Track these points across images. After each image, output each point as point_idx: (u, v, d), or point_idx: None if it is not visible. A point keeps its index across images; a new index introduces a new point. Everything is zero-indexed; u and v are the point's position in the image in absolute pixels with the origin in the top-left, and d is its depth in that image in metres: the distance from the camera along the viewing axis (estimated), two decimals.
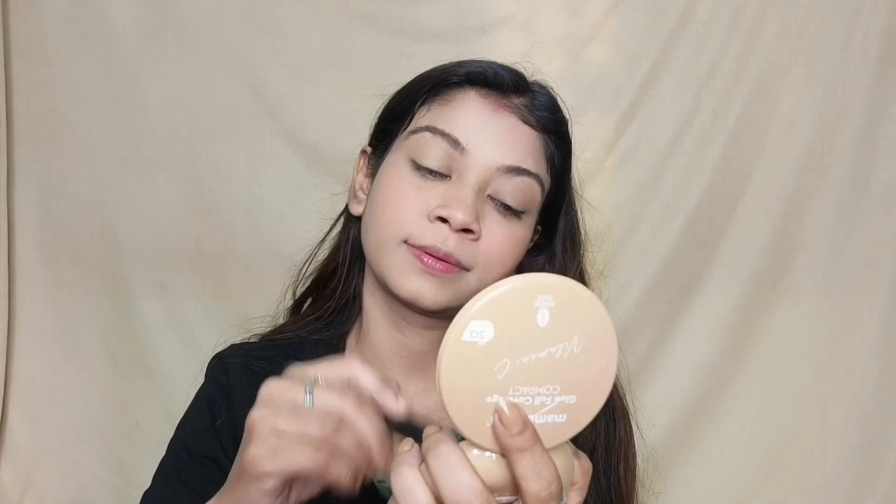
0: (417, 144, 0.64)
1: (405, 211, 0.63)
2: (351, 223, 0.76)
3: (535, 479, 0.37)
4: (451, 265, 0.62)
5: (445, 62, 0.70)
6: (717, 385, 1.17)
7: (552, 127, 0.67)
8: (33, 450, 1.21)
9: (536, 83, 0.70)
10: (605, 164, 1.15)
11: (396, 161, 0.66)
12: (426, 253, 0.62)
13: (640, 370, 1.16)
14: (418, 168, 0.64)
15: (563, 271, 0.72)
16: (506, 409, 0.38)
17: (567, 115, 0.71)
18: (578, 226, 0.76)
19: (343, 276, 0.75)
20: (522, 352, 0.38)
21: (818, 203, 1.14)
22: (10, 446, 1.20)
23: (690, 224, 1.14)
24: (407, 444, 0.41)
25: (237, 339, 0.78)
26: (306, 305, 0.81)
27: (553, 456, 0.39)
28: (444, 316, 0.64)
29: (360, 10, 1.13)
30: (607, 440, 0.72)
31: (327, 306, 0.75)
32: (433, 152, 0.63)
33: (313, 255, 0.81)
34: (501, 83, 0.65)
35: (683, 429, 1.17)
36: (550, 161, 0.67)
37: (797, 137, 1.13)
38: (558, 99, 0.71)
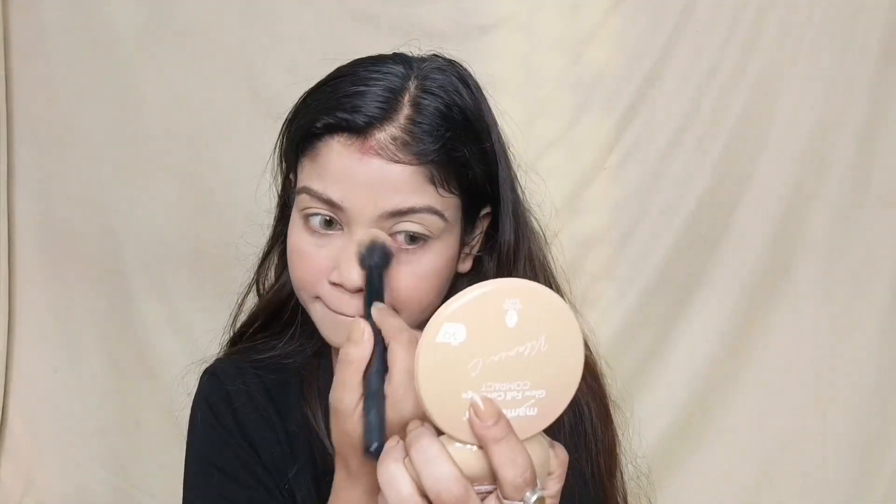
0: (303, 204, 0.63)
1: (308, 275, 0.64)
2: None
3: (510, 467, 0.40)
4: None
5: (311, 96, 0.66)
6: (717, 385, 1.17)
7: (431, 153, 0.61)
8: (33, 450, 1.21)
9: (420, 88, 0.62)
10: (605, 164, 1.15)
11: (294, 215, 0.65)
12: (339, 315, 0.63)
13: (640, 370, 1.16)
14: (309, 226, 0.63)
15: (514, 245, 0.70)
16: (480, 403, 0.41)
17: (468, 104, 0.64)
18: (520, 201, 0.72)
19: (295, 305, 0.74)
20: (493, 351, 0.41)
21: (818, 203, 1.14)
22: (10, 446, 1.20)
23: (690, 224, 1.14)
24: (393, 440, 0.44)
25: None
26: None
27: (528, 446, 0.42)
28: None
29: (359, 9, 1.13)
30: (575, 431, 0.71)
31: (290, 332, 0.76)
32: (317, 213, 0.62)
33: (251, 286, 0.82)
34: (357, 126, 0.60)
35: (683, 429, 1.17)
36: (441, 184, 0.62)
37: (797, 137, 1.13)
38: (459, 84, 0.64)
